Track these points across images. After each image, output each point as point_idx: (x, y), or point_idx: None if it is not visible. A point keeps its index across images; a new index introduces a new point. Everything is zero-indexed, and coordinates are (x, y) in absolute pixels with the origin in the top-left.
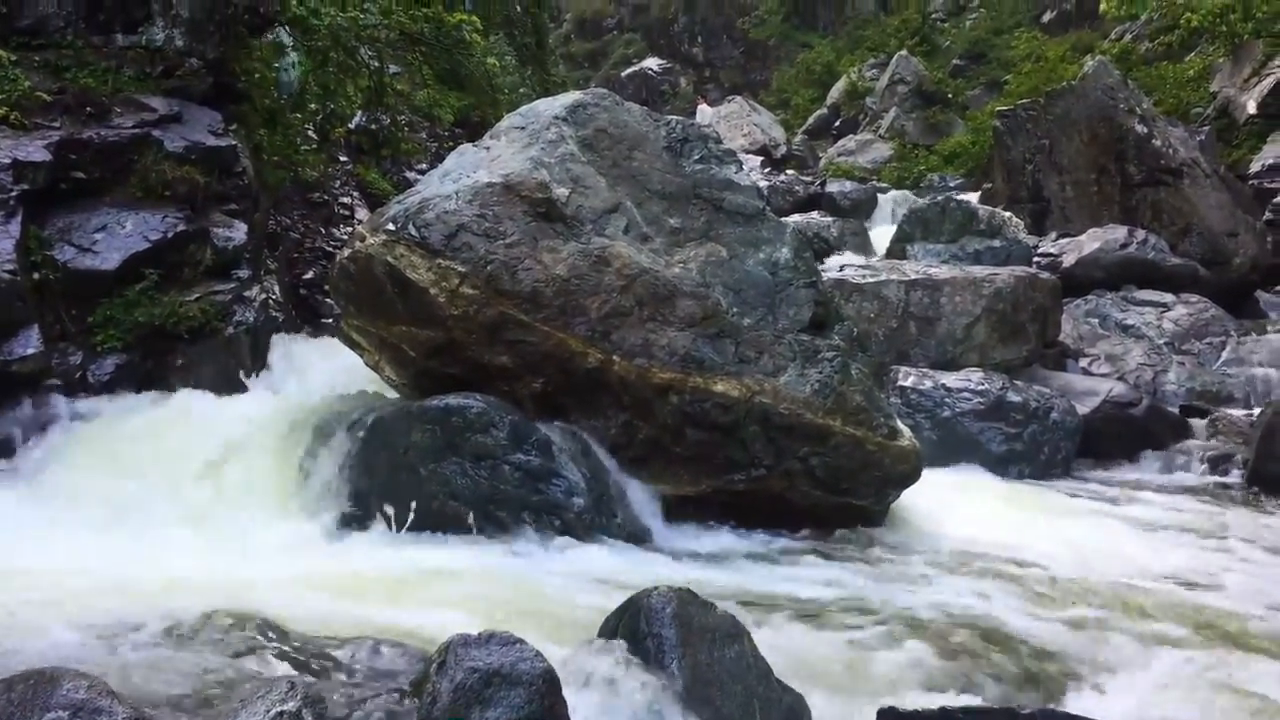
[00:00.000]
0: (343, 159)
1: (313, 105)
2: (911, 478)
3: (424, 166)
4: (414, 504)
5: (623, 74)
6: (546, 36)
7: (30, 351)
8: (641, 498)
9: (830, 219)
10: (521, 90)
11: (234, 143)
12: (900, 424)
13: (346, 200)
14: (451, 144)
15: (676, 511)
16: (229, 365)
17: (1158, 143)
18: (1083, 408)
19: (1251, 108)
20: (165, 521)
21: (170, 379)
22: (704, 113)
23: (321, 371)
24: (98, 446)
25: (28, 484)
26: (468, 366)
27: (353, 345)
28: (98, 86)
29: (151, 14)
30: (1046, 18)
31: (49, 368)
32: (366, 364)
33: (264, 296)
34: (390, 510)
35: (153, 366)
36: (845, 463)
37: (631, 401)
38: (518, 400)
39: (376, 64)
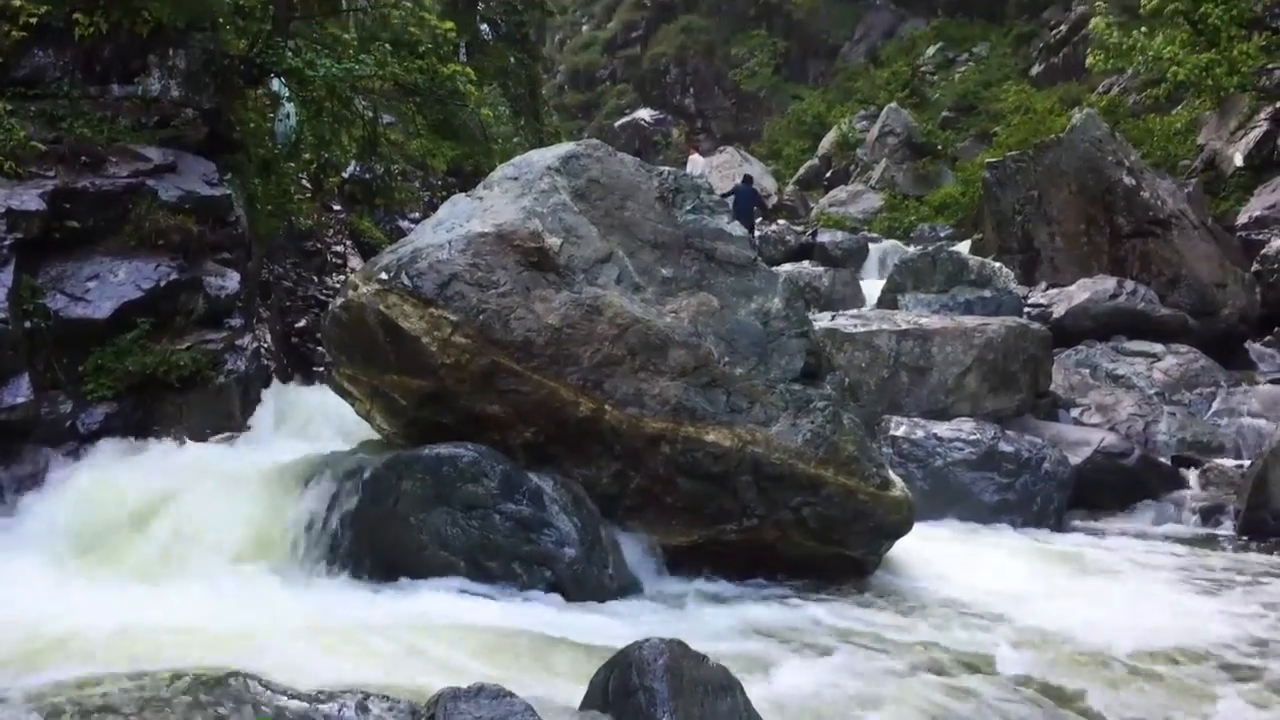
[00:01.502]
0: (336, 208)
1: (307, 155)
2: (904, 528)
3: (417, 215)
4: (404, 554)
5: (615, 124)
6: (540, 87)
7: (20, 400)
8: (634, 548)
9: (822, 269)
10: (515, 140)
11: (228, 192)
12: (892, 474)
13: (339, 249)
14: (445, 193)
15: (669, 562)
16: (220, 414)
17: (1146, 194)
18: (1074, 458)
19: (1238, 160)
20: (151, 571)
21: (161, 427)
22: (696, 163)
23: (312, 420)
24: (85, 496)
25: (16, 533)
26: (459, 415)
27: (344, 394)
28: (93, 136)
29: (148, 65)
30: (1034, 70)
31: (38, 416)
32: (358, 413)
33: (256, 345)
34: (380, 560)
35: (143, 415)
36: (837, 513)
37: (623, 451)
38: (509, 449)
39: (371, 114)
